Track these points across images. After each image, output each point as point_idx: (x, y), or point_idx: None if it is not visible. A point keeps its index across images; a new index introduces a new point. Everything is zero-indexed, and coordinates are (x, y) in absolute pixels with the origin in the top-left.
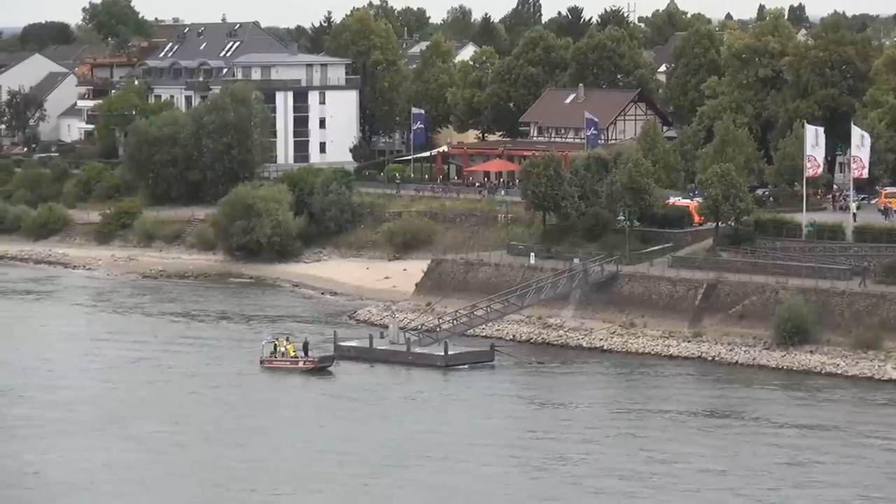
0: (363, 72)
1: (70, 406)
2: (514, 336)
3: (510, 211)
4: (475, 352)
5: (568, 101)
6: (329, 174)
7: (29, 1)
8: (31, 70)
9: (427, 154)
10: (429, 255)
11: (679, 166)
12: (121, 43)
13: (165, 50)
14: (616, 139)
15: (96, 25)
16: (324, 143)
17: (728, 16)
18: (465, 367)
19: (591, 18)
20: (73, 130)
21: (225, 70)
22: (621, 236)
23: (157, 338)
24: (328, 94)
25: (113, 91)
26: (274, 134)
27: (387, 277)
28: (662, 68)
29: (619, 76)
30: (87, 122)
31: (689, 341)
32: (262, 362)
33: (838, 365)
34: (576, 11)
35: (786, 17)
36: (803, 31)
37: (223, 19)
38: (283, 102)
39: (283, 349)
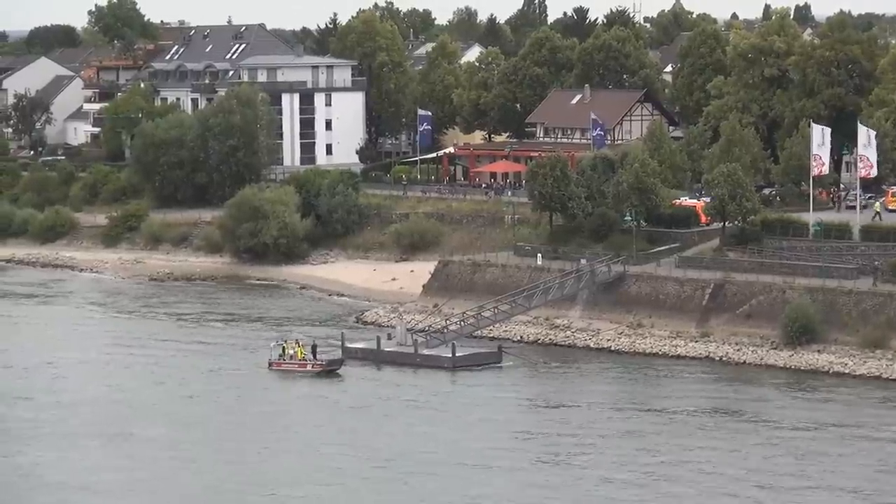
0: (369, 73)
1: (74, 408)
2: (521, 337)
3: (517, 212)
4: (483, 353)
5: (574, 101)
6: (335, 176)
7: (35, 4)
8: (38, 73)
9: (433, 155)
10: (436, 256)
11: (685, 166)
12: (127, 45)
13: (171, 52)
14: (622, 139)
15: (102, 28)
16: (330, 145)
17: (734, 15)
18: (475, 368)
19: (596, 19)
20: (80, 133)
21: (231, 72)
22: (628, 237)
23: (164, 340)
24: (334, 95)
25: (119, 94)
26: (280, 136)
27: (394, 279)
28: (668, 68)
29: (624, 76)
30: (93, 125)
31: (696, 341)
32: (270, 365)
33: (846, 364)
34: (581, 12)
35: (791, 16)
36: (809, 30)
37: (229, 21)
38: (290, 104)
39: (291, 351)
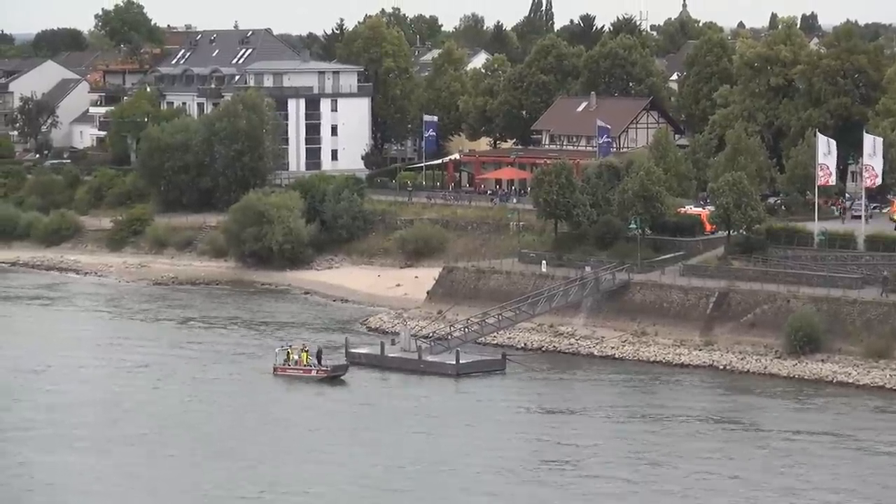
0: (375, 79)
1: (76, 411)
2: (525, 344)
3: (522, 219)
4: (487, 360)
5: (580, 109)
6: (341, 181)
7: (42, 7)
8: (44, 76)
9: (439, 161)
10: (440, 262)
11: (691, 175)
12: (133, 49)
13: (178, 57)
14: (628, 147)
15: (109, 32)
16: (335, 151)
17: (740, 24)
18: (478, 375)
19: (603, 26)
20: (86, 137)
21: (237, 77)
22: (633, 244)
23: (168, 344)
24: (340, 101)
25: (125, 97)
26: (286, 141)
27: (398, 285)
28: (674, 76)
29: (630, 84)
30: (99, 129)
31: (700, 350)
32: (275, 370)
33: (850, 374)
34: (588, 19)
35: (798, 25)
36: (815, 39)
37: (235, 26)
38: (295, 109)
39: (296, 357)
